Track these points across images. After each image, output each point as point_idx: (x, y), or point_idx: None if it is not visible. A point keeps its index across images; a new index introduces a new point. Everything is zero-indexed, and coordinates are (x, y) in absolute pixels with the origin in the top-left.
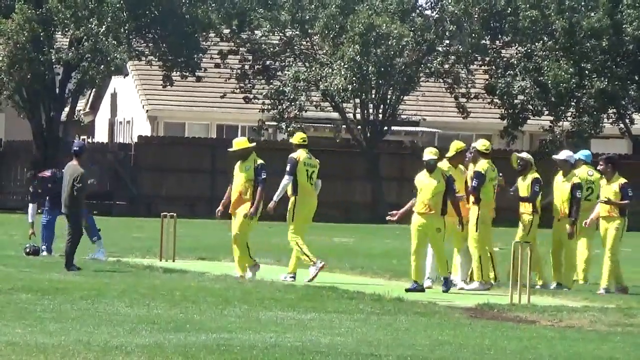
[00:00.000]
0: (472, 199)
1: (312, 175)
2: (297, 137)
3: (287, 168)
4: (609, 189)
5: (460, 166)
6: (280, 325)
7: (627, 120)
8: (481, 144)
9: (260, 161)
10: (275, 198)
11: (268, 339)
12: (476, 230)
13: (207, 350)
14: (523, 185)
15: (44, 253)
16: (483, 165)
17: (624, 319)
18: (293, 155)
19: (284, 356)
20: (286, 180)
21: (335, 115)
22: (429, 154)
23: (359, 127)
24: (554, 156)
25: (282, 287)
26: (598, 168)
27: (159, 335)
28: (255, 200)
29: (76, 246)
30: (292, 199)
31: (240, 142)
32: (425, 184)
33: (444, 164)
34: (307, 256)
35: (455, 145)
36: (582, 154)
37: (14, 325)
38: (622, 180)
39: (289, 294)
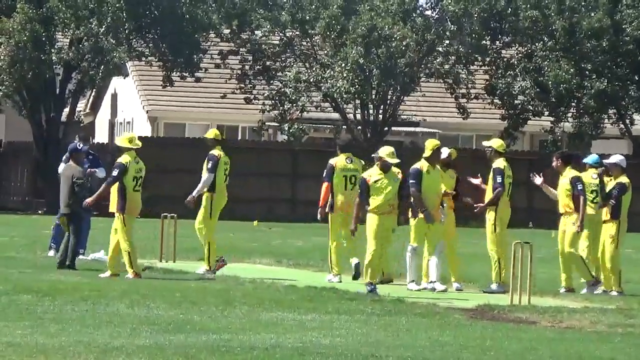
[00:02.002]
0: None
1: (226, 173)
2: (213, 133)
3: (209, 165)
4: (561, 184)
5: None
6: (281, 326)
7: (627, 121)
8: (498, 143)
9: (120, 159)
10: (194, 193)
11: (268, 339)
12: (494, 231)
13: (207, 351)
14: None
15: (51, 252)
16: (502, 162)
17: (624, 319)
18: (214, 153)
19: (284, 357)
20: (209, 177)
21: (336, 115)
22: (391, 157)
23: (359, 127)
24: (605, 160)
25: (282, 288)
26: (552, 164)
27: (160, 336)
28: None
29: (78, 245)
30: (207, 195)
31: (120, 139)
32: (384, 183)
33: (423, 164)
34: (209, 259)
35: (432, 144)
36: (591, 159)
37: (15, 326)
38: (572, 174)
39: (289, 295)
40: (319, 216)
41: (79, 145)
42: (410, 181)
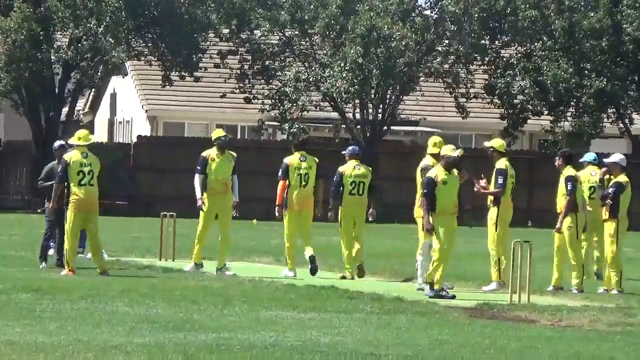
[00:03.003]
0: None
1: None
2: (217, 133)
3: (236, 167)
4: (560, 183)
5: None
6: (280, 324)
7: (626, 120)
8: (499, 143)
9: (64, 156)
10: (198, 195)
11: (268, 338)
12: (495, 230)
13: (206, 350)
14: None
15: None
16: (504, 162)
17: (624, 318)
18: (204, 153)
19: (283, 356)
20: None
21: (335, 115)
22: (453, 151)
23: (359, 126)
24: (605, 159)
25: (281, 287)
26: (555, 163)
27: (159, 335)
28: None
29: (45, 237)
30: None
31: (73, 137)
32: (451, 183)
33: (432, 161)
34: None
35: (437, 140)
36: (588, 157)
37: (14, 325)
38: (567, 173)
39: (288, 294)
40: (277, 214)
41: (56, 144)
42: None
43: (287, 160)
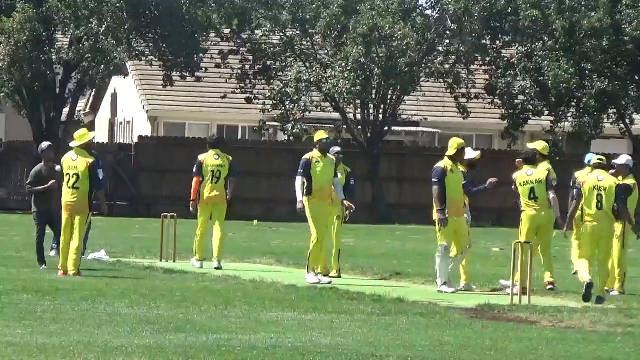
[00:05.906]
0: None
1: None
2: (319, 135)
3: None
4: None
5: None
6: (281, 325)
7: (627, 121)
8: (542, 146)
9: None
10: (299, 198)
11: (269, 339)
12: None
13: (207, 351)
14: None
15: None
16: (546, 167)
17: (625, 319)
18: (307, 156)
19: (284, 357)
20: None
21: (336, 115)
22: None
23: (360, 127)
24: (614, 161)
25: (282, 288)
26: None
27: (160, 336)
28: None
29: (38, 241)
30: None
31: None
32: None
33: (446, 162)
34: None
35: (456, 142)
36: (588, 158)
37: (15, 326)
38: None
39: (289, 295)
40: (191, 209)
41: (44, 145)
42: (433, 180)
43: (201, 157)
